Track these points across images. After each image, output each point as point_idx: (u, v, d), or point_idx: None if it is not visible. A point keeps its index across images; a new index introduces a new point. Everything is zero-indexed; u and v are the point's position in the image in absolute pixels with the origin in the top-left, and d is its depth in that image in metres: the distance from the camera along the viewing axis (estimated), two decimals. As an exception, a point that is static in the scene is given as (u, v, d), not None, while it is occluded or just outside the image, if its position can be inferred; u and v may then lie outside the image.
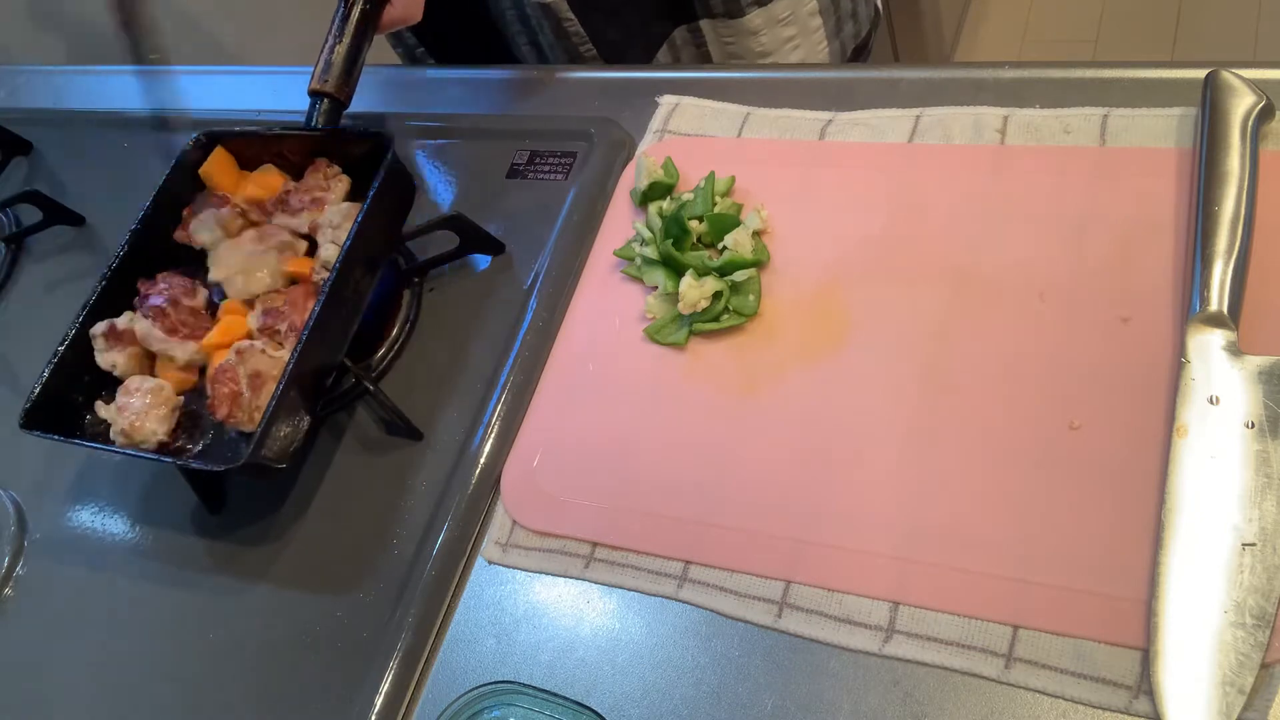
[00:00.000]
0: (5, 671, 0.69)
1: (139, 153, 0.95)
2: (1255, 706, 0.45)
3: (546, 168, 0.78)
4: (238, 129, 0.76)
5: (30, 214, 0.91)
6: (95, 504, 0.74)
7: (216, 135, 0.77)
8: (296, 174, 0.76)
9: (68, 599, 0.70)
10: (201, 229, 0.73)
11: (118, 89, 1.04)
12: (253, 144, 0.77)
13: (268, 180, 0.76)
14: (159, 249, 0.74)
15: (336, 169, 0.74)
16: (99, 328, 0.70)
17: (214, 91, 0.99)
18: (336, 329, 0.67)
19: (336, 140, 0.74)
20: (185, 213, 0.75)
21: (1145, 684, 0.47)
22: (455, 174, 0.81)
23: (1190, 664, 0.46)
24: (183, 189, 0.76)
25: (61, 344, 0.69)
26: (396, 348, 0.72)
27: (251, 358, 0.65)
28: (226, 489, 0.70)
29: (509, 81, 0.86)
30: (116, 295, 0.72)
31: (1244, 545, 0.47)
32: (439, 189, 0.80)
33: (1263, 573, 0.46)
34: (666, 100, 0.77)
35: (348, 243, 0.66)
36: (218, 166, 0.76)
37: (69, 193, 0.94)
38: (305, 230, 0.72)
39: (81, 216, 0.92)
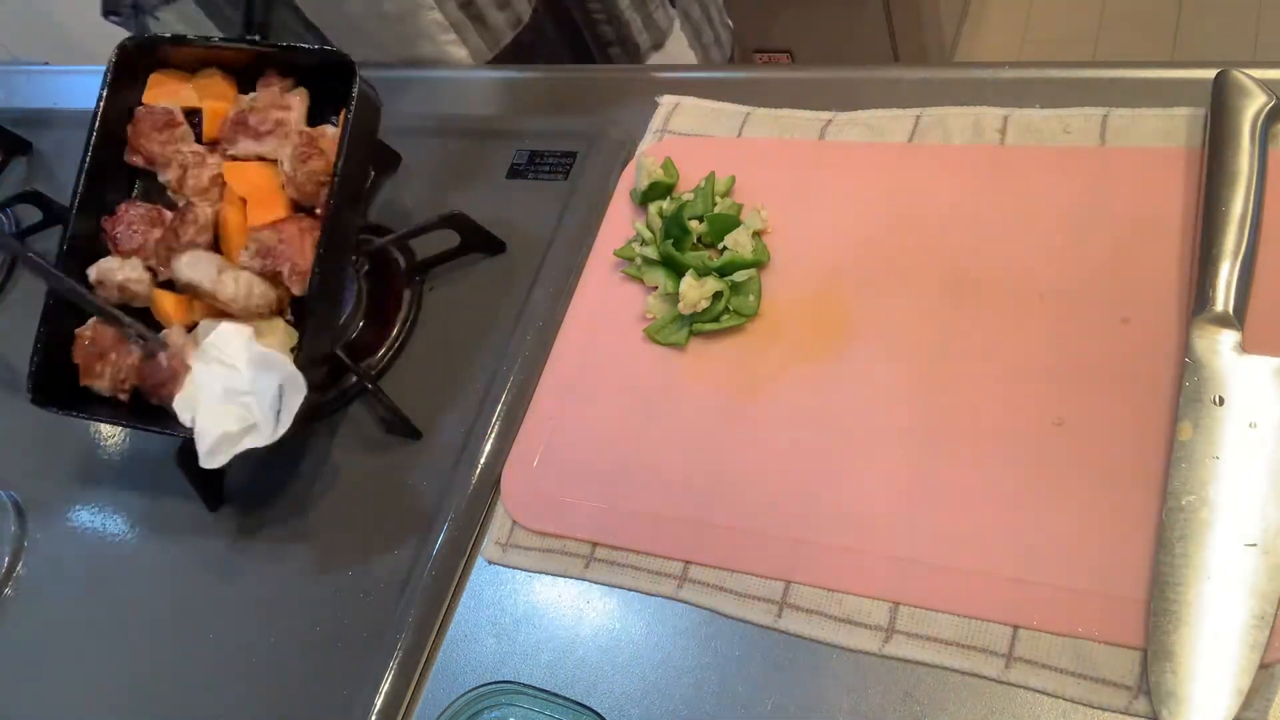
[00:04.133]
0: (5, 671, 0.69)
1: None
2: (1255, 706, 0.45)
3: (546, 168, 0.77)
4: (168, 35, 0.72)
5: (30, 214, 0.91)
6: (95, 504, 0.74)
7: (142, 43, 0.71)
8: (242, 84, 0.72)
9: (68, 599, 0.70)
10: (192, 269, 0.66)
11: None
12: (190, 51, 0.72)
13: (217, 87, 0.71)
14: (114, 177, 0.72)
15: (289, 81, 0.71)
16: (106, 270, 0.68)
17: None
18: (334, 279, 0.65)
19: (281, 48, 0.70)
20: (129, 132, 0.71)
21: (1145, 684, 0.47)
22: (455, 174, 0.81)
23: (1189, 664, 0.46)
24: (121, 109, 0.71)
25: (42, 324, 0.68)
26: (396, 347, 0.72)
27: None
28: (226, 487, 0.70)
29: (509, 81, 0.86)
30: (86, 236, 0.70)
31: (1245, 545, 0.47)
32: (439, 189, 0.80)
33: (1263, 573, 0.46)
34: (666, 100, 0.77)
35: (333, 190, 0.63)
36: (166, 87, 0.72)
37: (69, 193, 0.93)
38: (273, 157, 0.69)
39: (81, 216, 0.92)
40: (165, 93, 0.72)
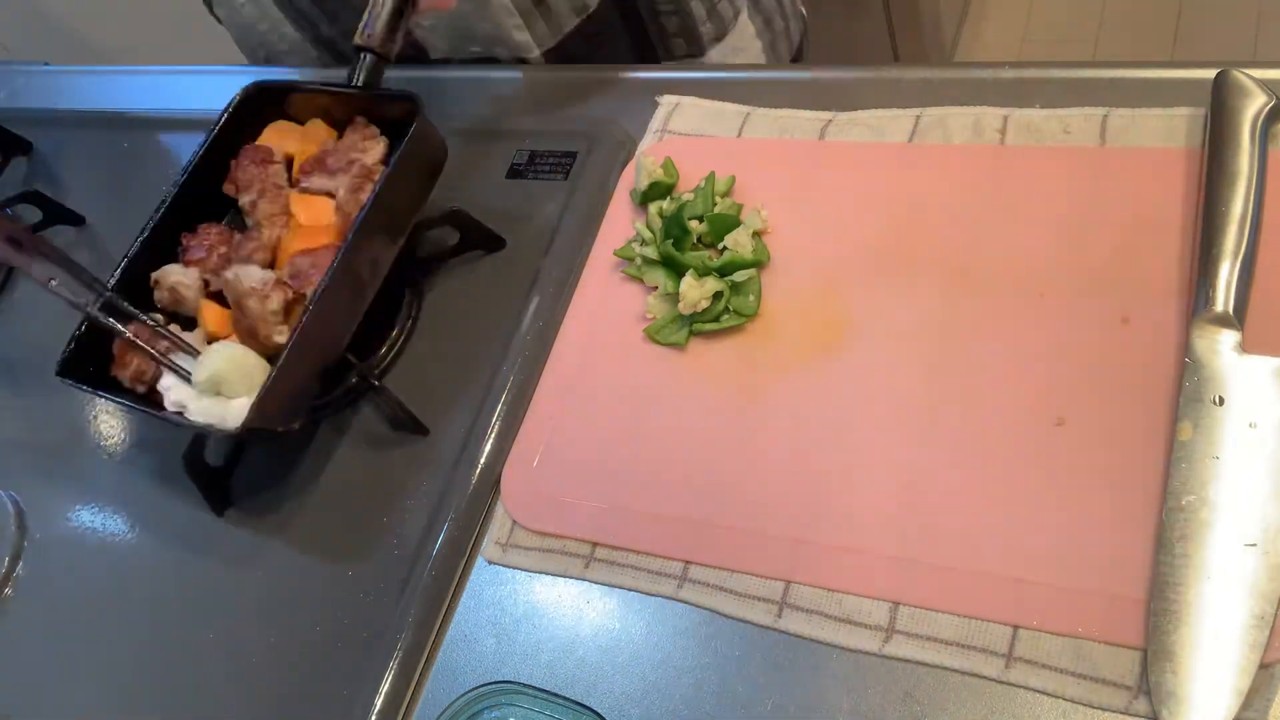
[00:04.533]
0: (5, 671, 0.69)
1: (139, 153, 0.95)
2: (1255, 706, 0.45)
3: (546, 168, 0.77)
4: (284, 80, 0.76)
5: (30, 214, 0.91)
6: (95, 504, 0.74)
7: (264, 87, 0.76)
8: (341, 131, 0.76)
9: (68, 599, 0.70)
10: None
11: (118, 89, 1.04)
12: (298, 98, 0.76)
13: (319, 135, 0.76)
14: (205, 201, 0.74)
15: (374, 129, 0.74)
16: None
17: (213, 91, 0.99)
18: (346, 305, 0.66)
19: (373, 100, 0.73)
20: (231, 164, 0.74)
21: (1145, 684, 0.47)
22: (455, 174, 0.81)
23: (1189, 664, 0.46)
24: (231, 140, 0.75)
25: (105, 291, 0.69)
26: (397, 347, 0.72)
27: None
28: (232, 489, 0.70)
29: (509, 81, 0.86)
30: (158, 246, 0.72)
31: (1245, 545, 0.47)
32: (439, 189, 0.80)
33: (1263, 573, 0.46)
34: (666, 100, 0.77)
35: (365, 210, 0.65)
36: (275, 134, 0.77)
37: (69, 193, 0.94)
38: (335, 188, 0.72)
39: (81, 216, 0.92)
40: (275, 139, 0.77)
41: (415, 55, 0.99)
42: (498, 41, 0.86)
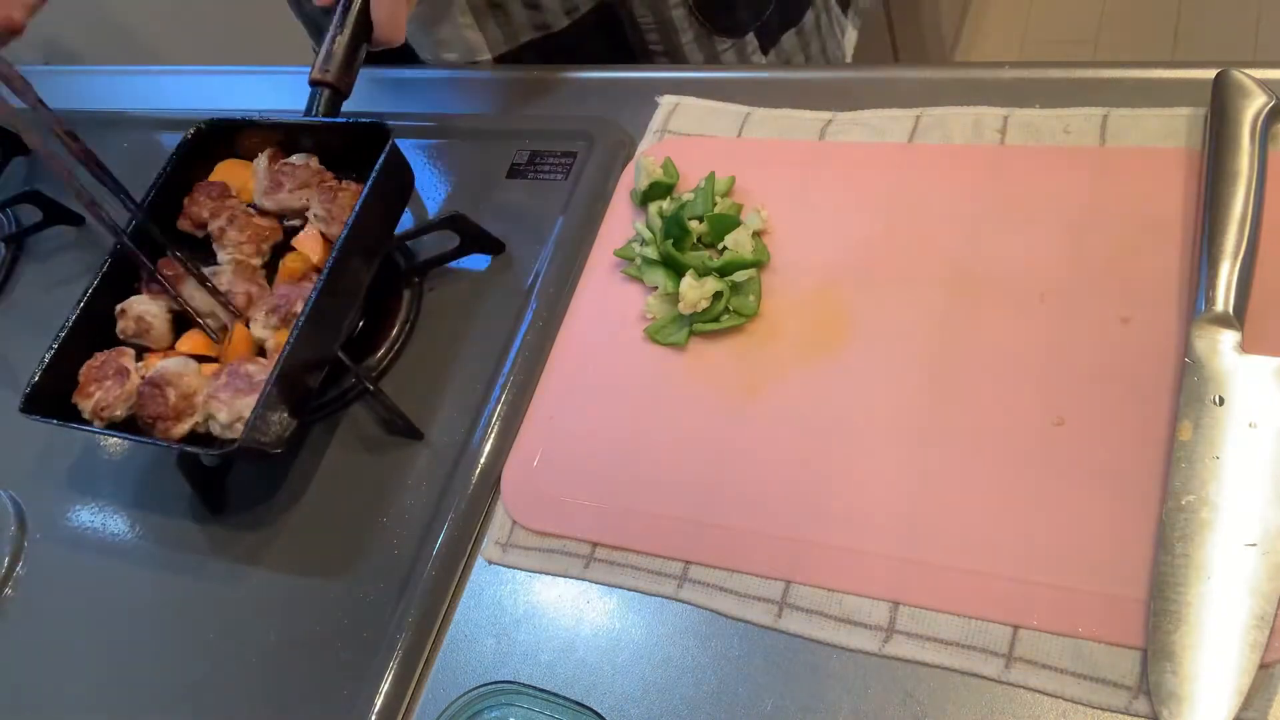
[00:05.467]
0: (5, 671, 0.69)
1: (139, 153, 0.94)
2: (1255, 706, 0.45)
3: (546, 168, 0.77)
4: (238, 117, 0.77)
5: (30, 214, 0.91)
6: (95, 504, 0.74)
7: (217, 124, 0.77)
8: None
9: (68, 599, 0.70)
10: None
11: (118, 89, 1.04)
12: (253, 134, 0.77)
13: None
14: (161, 237, 0.74)
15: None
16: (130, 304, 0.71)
17: (213, 91, 0.99)
18: (332, 320, 0.67)
19: (335, 130, 0.74)
20: (185, 201, 0.75)
21: (1145, 684, 0.47)
22: (455, 174, 0.81)
23: (1189, 664, 0.46)
24: (184, 178, 0.76)
25: (62, 330, 0.69)
26: (396, 348, 0.72)
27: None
28: (227, 488, 0.70)
29: (509, 81, 0.86)
30: (118, 283, 0.72)
31: (1245, 545, 0.47)
32: (439, 189, 0.80)
33: (1263, 573, 0.46)
34: (666, 100, 0.77)
35: (346, 231, 0.65)
36: (228, 171, 0.77)
37: (69, 194, 0.93)
38: (302, 204, 0.73)
39: (81, 216, 0.92)
40: (228, 176, 0.77)
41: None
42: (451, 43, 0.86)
